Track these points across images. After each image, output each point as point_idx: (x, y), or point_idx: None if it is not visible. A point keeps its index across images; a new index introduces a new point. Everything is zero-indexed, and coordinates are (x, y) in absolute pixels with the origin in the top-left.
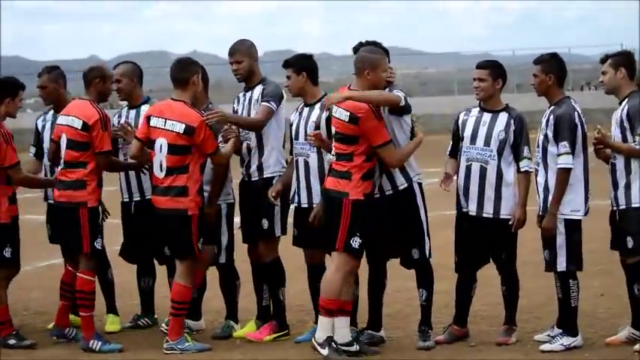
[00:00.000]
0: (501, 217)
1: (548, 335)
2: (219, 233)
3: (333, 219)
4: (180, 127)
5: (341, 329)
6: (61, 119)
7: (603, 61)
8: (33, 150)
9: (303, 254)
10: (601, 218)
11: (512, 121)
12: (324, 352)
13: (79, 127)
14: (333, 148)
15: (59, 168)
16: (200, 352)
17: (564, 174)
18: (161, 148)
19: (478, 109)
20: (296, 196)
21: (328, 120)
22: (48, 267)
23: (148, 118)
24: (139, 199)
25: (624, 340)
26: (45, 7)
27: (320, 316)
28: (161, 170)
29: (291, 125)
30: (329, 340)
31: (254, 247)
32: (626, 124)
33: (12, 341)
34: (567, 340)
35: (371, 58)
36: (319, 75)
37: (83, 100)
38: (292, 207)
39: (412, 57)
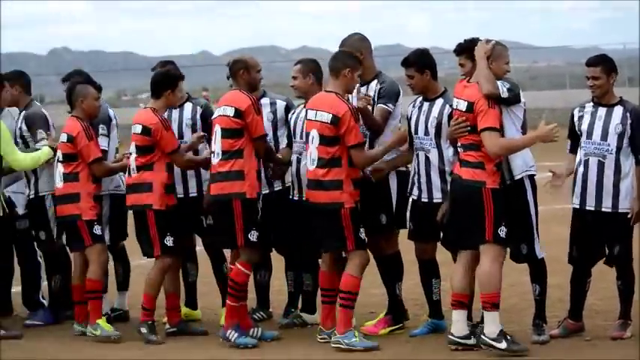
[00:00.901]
0: (620, 211)
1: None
2: None
3: (472, 210)
4: (327, 118)
5: (490, 324)
6: (216, 111)
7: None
8: None
9: (414, 248)
10: None
11: (628, 114)
12: (502, 345)
13: (232, 115)
14: (459, 140)
15: (216, 160)
16: (366, 351)
17: None
18: (312, 140)
19: (592, 104)
20: (416, 190)
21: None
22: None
23: (306, 113)
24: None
25: None
26: (155, 4)
27: (486, 312)
28: (311, 163)
29: (409, 119)
30: (503, 334)
31: (373, 241)
32: None
33: (143, 329)
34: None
35: (498, 48)
36: None
37: (234, 90)
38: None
39: (522, 51)
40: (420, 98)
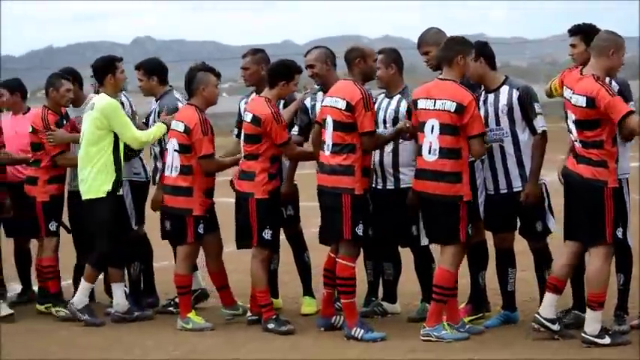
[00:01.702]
0: None
1: None
2: None
3: (591, 208)
4: (451, 106)
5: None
6: (327, 100)
7: None
8: (236, 131)
9: (493, 238)
10: None
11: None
12: (606, 340)
13: (343, 108)
14: (576, 134)
15: (327, 153)
16: (456, 341)
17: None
18: (432, 130)
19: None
20: (491, 183)
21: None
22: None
23: (415, 102)
24: None
25: None
26: None
27: (591, 310)
28: (430, 153)
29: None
30: (606, 331)
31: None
32: None
33: (271, 325)
34: None
35: (617, 40)
36: (513, 60)
37: (347, 80)
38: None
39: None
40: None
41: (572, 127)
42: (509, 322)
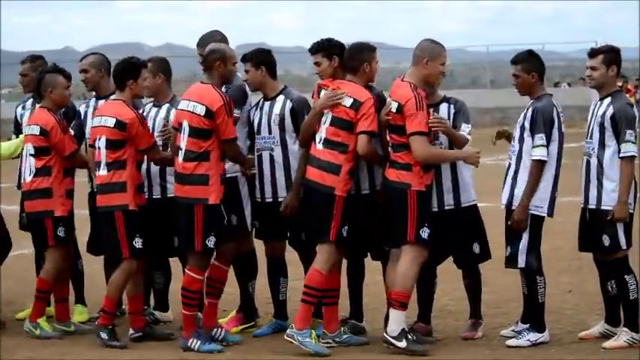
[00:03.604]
0: (462, 205)
1: (513, 330)
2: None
3: (396, 211)
4: (348, 102)
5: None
6: (183, 104)
7: (592, 55)
8: (14, 138)
9: (264, 247)
10: (570, 215)
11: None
12: (402, 344)
13: (202, 114)
14: (389, 139)
15: (179, 160)
16: (317, 355)
17: (539, 166)
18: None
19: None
20: (257, 191)
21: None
22: (17, 257)
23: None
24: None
25: (597, 336)
26: None
27: (393, 310)
28: (319, 142)
29: (251, 121)
30: (404, 333)
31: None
32: (608, 125)
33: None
34: (534, 336)
35: (433, 47)
36: (294, 68)
37: (205, 84)
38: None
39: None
40: (262, 99)
41: (387, 132)
42: (281, 331)
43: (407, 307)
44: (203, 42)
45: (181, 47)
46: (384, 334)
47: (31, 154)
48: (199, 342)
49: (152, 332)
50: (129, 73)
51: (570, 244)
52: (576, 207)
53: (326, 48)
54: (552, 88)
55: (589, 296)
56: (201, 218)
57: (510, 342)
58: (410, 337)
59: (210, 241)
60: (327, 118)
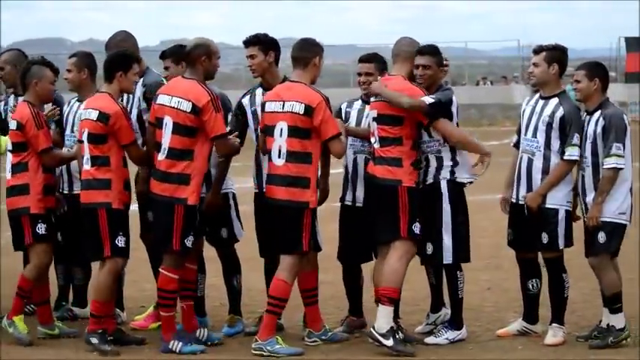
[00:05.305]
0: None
1: (427, 324)
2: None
3: (387, 208)
4: (300, 108)
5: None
6: (165, 99)
7: (536, 52)
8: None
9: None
10: (490, 212)
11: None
12: (389, 342)
13: (189, 110)
14: (377, 132)
15: (160, 157)
16: (290, 357)
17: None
18: (281, 133)
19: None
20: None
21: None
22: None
23: (263, 105)
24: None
25: (515, 333)
26: None
27: (382, 306)
28: (279, 157)
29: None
30: (392, 331)
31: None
32: (556, 126)
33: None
34: (452, 334)
35: (408, 49)
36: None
37: (190, 79)
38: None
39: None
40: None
41: (374, 125)
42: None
43: (394, 303)
44: (108, 47)
45: (104, 42)
46: (371, 330)
47: (9, 150)
48: (180, 343)
49: (122, 337)
50: (119, 65)
51: (490, 241)
52: (496, 204)
53: (263, 42)
54: (474, 87)
55: (508, 293)
56: (181, 218)
57: (429, 340)
58: (398, 336)
59: (189, 241)
60: (283, 130)
